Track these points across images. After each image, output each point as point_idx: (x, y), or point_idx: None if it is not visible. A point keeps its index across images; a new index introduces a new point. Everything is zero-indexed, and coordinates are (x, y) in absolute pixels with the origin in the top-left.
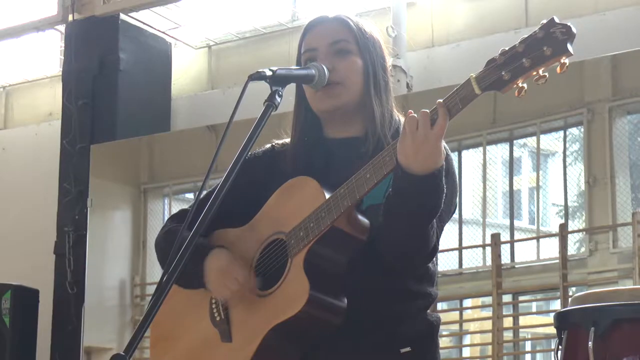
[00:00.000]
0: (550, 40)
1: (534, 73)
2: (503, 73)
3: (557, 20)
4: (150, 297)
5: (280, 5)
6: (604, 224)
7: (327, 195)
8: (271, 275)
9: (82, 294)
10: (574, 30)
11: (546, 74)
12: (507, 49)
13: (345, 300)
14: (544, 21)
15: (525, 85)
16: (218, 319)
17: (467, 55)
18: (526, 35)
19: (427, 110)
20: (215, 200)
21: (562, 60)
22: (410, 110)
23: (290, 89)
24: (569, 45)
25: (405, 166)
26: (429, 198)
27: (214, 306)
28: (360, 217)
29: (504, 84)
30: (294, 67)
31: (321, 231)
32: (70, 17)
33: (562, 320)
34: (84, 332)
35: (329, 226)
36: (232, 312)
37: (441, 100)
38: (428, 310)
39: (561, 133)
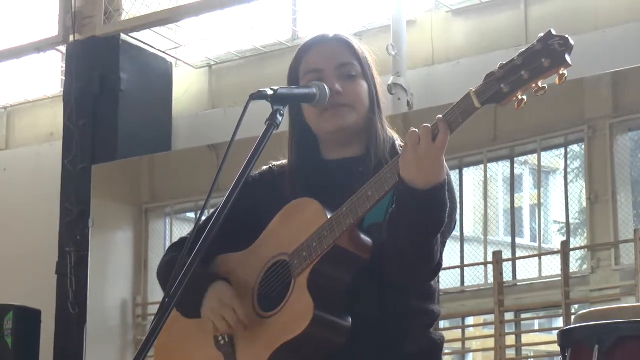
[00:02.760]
0: (549, 52)
1: (533, 85)
2: (502, 86)
3: (554, 32)
4: (152, 317)
5: (280, 24)
6: (606, 241)
7: (329, 215)
8: (275, 296)
9: (84, 314)
10: (571, 42)
11: (545, 85)
12: (505, 62)
13: (350, 320)
14: (541, 34)
15: (524, 97)
16: (222, 342)
17: (467, 73)
18: (524, 49)
19: (429, 125)
20: (215, 223)
21: (560, 72)
22: (412, 127)
23: None
24: (567, 56)
25: (407, 181)
26: (433, 212)
27: None
28: (362, 235)
29: (504, 97)
30: (295, 86)
31: (324, 250)
32: (71, 38)
33: (566, 338)
34: (86, 352)
35: (332, 245)
36: (236, 334)
37: (441, 116)
38: (431, 329)
39: (562, 150)
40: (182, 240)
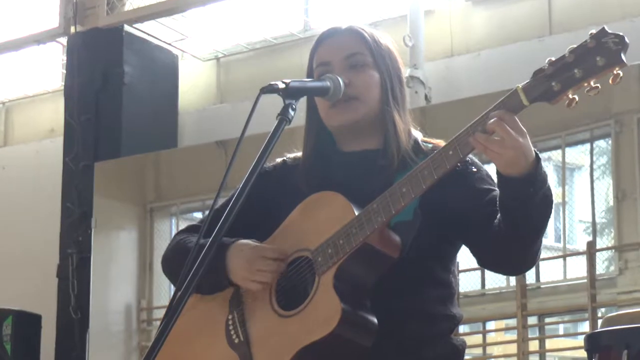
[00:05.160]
0: (603, 50)
1: (585, 84)
2: (553, 84)
3: (608, 30)
4: (157, 322)
5: (291, 14)
6: (634, 241)
7: (357, 212)
8: (295, 295)
9: (87, 319)
10: (627, 40)
11: (598, 85)
12: (554, 59)
13: (376, 320)
14: (593, 31)
15: (576, 96)
16: (237, 341)
17: (488, 65)
18: (576, 45)
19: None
20: (229, 214)
21: (615, 71)
22: (432, 124)
23: (303, 102)
24: (622, 55)
25: (512, 174)
26: (545, 185)
27: (231, 327)
28: (393, 234)
29: (554, 95)
30: (307, 79)
31: (352, 248)
32: (72, 29)
33: (593, 342)
34: (88, 358)
35: (361, 242)
36: (252, 333)
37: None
38: (452, 334)
39: (588, 146)
40: (190, 227)
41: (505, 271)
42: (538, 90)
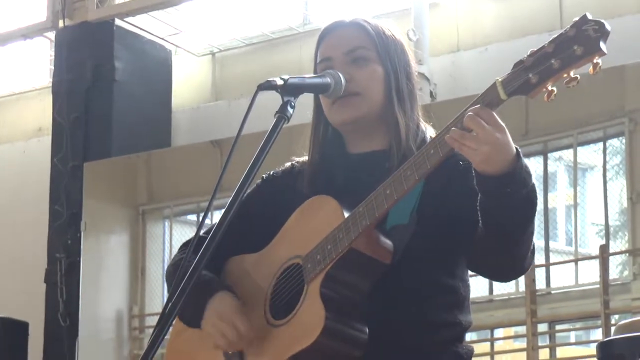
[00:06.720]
0: (582, 38)
1: (564, 75)
2: (530, 75)
3: (589, 17)
4: (150, 330)
5: (290, 8)
6: None
7: (347, 215)
8: (288, 303)
9: (76, 327)
10: (607, 27)
11: (577, 76)
12: (535, 49)
13: (367, 330)
14: (576, 19)
15: (554, 88)
16: (230, 352)
17: (495, 60)
18: (556, 34)
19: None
20: (220, 224)
21: (594, 60)
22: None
23: (304, 100)
24: (601, 44)
25: (489, 172)
26: (529, 184)
27: None
28: (383, 238)
29: (532, 88)
30: (307, 75)
31: (339, 254)
32: (60, 23)
33: (606, 350)
34: None
35: (347, 248)
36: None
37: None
38: (457, 342)
39: (600, 145)
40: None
41: (490, 276)
42: (516, 83)
